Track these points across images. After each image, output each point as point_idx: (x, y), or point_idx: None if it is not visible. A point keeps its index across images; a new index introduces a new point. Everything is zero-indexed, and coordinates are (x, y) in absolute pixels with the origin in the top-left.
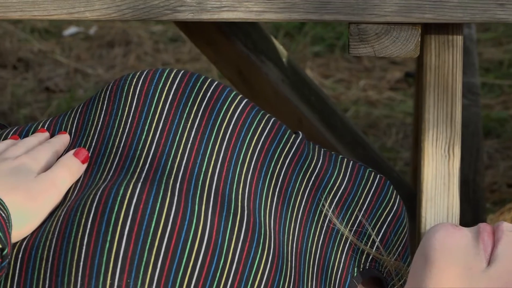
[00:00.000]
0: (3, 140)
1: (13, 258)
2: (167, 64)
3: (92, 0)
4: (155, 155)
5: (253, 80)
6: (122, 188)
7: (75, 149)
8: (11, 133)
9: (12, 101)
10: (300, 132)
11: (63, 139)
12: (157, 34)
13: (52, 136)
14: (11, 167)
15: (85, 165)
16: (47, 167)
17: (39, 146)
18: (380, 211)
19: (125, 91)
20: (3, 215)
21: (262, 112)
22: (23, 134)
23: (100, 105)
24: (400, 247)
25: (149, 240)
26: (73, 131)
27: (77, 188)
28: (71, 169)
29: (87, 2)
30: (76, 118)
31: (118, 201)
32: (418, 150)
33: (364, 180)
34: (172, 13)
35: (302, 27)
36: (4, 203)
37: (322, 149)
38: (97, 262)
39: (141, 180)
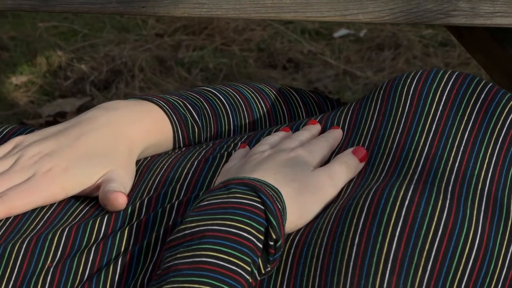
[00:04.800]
0: (274, 132)
1: (285, 252)
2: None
3: (365, 3)
4: (427, 157)
5: None
6: (395, 189)
7: (354, 147)
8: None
9: None
10: None
11: (337, 134)
12: (427, 38)
13: (323, 130)
14: (287, 158)
15: (363, 164)
16: (322, 162)
17: (314, 140)
18: None
19: (398, 91)
20: (280, 207)
21: None
22: (294, 128)
23: (373, 105)
24: None
25: (420, 243)
26: (345, 127)
27: (350, 186)
28: (349, 166)
29: (361, 4)
30: (349, 115)
31: (390, 202)
32: None
33: None
34: (445, 18)
35: None
36: (281, 195)
37: None
38: (367, 262)
39: (413, 182)
